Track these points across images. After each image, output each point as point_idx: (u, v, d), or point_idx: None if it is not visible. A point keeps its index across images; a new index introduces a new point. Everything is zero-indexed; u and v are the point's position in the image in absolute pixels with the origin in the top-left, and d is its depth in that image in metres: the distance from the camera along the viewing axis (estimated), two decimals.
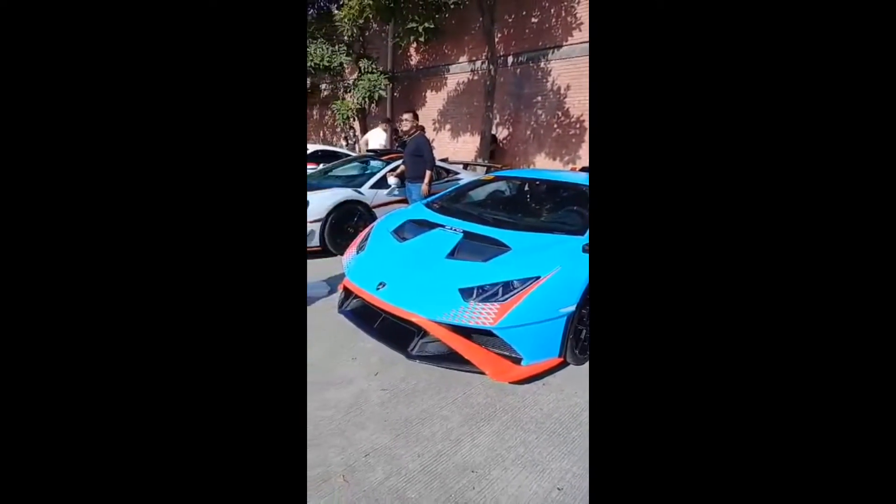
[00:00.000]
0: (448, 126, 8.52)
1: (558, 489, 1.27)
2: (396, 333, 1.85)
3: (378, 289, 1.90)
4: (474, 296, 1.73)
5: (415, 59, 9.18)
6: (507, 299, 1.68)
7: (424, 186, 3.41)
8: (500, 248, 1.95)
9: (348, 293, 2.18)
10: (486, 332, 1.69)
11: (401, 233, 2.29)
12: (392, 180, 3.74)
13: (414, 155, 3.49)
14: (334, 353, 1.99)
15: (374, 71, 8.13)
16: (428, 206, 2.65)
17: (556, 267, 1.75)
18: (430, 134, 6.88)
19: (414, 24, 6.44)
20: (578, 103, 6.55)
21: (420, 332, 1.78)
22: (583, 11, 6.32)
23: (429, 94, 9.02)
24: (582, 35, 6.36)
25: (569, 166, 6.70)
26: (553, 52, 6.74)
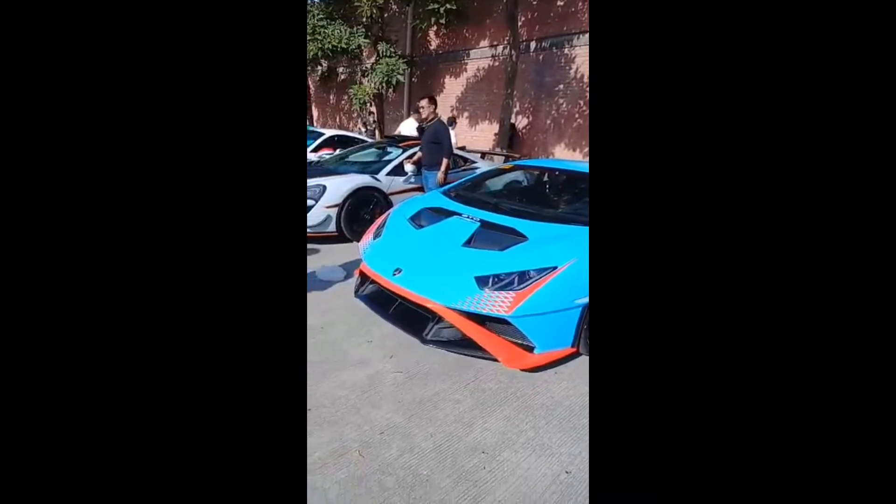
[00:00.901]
0: (466, 113, 8.43)
1: (567, 472, 1.31)
2: (411, 318, 1.90)
3: (394, 275, 1.93)
4: (490, 284, 1.75)
5: (434, 43, 9.04)
6: (522, 288, 1.69)
7: (440, 175, 3.41)
8: (516, 237, 1.96)
9: (364, 278, 2.23)
10: (501, 320, 1.72)
11: (417, 220, 2.31)
12: (409, 167, 3.75)
13: (431, 142, 3.48)
14: (350, 335, 2.05)
15: (393, 55, 8.04)
16: (445, 194, 2.66)
17: (573, 258, 1.75)
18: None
19: (435, 6, 6.32)
20: None
21: (435, 317, 1.82)
22: None
23: (447, 79, 8.90)
24: None
25: (588, 158, 6.57)
26: (578, 38, 6.54)
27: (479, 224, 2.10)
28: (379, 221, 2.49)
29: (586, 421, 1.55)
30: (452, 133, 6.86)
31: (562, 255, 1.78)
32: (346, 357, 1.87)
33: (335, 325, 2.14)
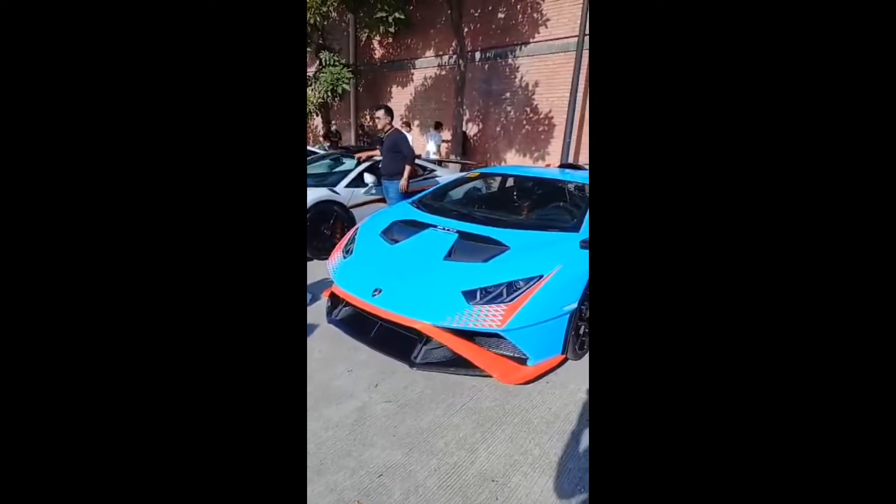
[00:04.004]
0: (416, 122, 8.38)
1: (581, 489, 1.26)
2: (396, 341, 1.77)
3: (374, 295, 1.79)
4: (478, 298, 1.68)
5: (378, 52, 8.92)
6: (512, 300, 1.64)
7: (403, 181, 3.30)
8: (498, 247, 1.92)
9: (337, 301, 2.06)
10: (493, 335, 1.65)
11: (390, 234, 2.19)
12: (369, 178, 3.59)
13: (392, 151, 3.37)
14: (327, 366, 1.87)
15: (337, 63, 7.79)
16: (414, 205, 2.56)
17: (558, 265, 1.74)
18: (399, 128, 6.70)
19: (384, 14, 6.23)
20: (546, 100, 6.67)
21: (423, 338, 1.70)
22: (548, 8, 6.42)
23: (395, 88, 8.82)
24: (548, 32, 6.47)
25: (539, 162, 6.82)
26: (520, 49, 6.80)
27: (457, 235, 2.03)
28: (347, 238, 2.32)
29: (587, 431, 1.53)
30: (440, 137, 6.81)
31: (547, 262, 1.76)
32: (327, 391, 1.69)
33: (308, 355, 1.93)
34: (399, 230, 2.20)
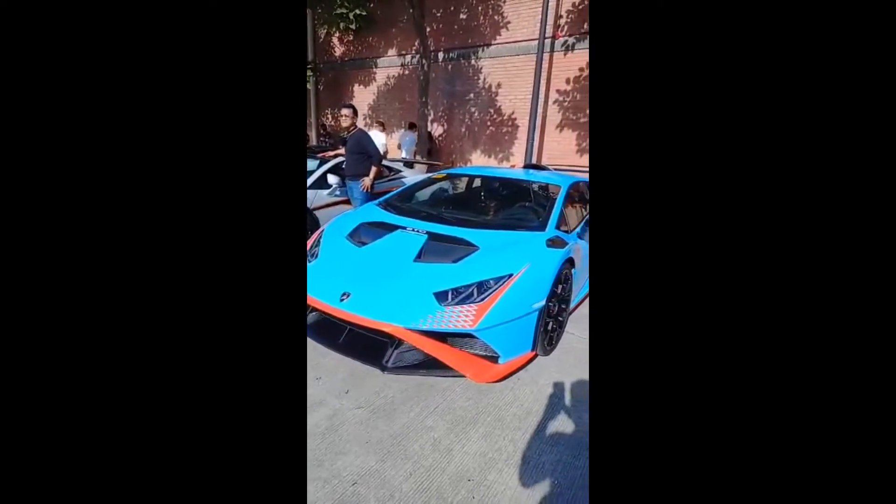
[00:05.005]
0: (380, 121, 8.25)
1: (553, 482, 1.30)
2: (366, 346, 1.73)
3: (342, 300, 1.75)
4: (449, 299, 1.68)
5: (339, 50, 8.71)
6: (483, 299, 1.66)
7: (367, 180, 3.24)
8: (467, 247, 1.93)
9: None
10: (465, 335, 1.66)
11: (357, 237, 2.14)
12: (332, 179, 3.49)
13: (356, 152, 3.30)
14: None
15: None
16: (381, 206, 2.52)
17: (527, 263, 1.78)
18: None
19: (344, 10, 6.08)
20: (509, 102, 6.80)
21: (394, 342, 1.68)
22: (509, 11, 6.56)
23: (357, 88, 8.64)
24: (510, 34, 6.60)
25: (504, 163, 6.95)
26: (483, 51, 6.89)
27: (426, 237, 2.02)
28: (311, 241, 2.24)
29: (557, 423, 1.57)
30: (414, 138, 6.61)
31: (515, 261, 1.80)
32: None
33: None
34: (367, 232, 2.15)
